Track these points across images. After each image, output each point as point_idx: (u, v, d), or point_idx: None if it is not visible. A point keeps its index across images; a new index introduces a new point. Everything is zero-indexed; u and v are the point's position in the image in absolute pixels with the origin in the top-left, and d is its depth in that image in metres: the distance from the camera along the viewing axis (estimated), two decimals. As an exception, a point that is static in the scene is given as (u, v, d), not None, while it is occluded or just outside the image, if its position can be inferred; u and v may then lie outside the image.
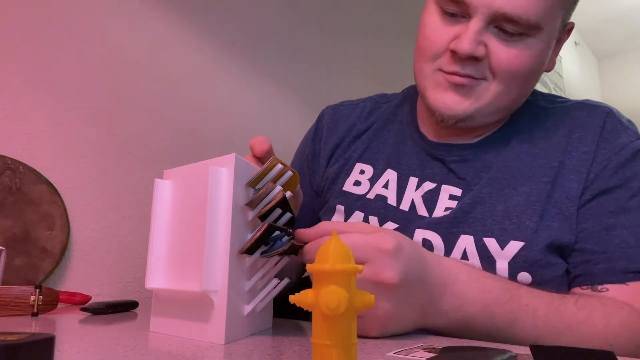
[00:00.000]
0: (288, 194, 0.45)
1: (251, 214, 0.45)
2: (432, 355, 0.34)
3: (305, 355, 0.35)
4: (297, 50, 1.42)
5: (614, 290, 0.52)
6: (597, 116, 0.61)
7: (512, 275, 0.54)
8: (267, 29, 1.33)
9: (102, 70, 0.95)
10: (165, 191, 0.48)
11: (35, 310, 0.58)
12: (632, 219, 0.55)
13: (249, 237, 0.45)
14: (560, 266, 0.55)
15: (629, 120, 0.62)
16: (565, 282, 0.56)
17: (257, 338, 0.43)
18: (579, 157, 0.58)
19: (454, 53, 0.57)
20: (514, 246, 0.55)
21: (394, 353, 0.36)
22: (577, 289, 0.55)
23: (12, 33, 0.84)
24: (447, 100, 0.59)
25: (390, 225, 0.62)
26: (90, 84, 0.93)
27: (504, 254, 0.55)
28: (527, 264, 0.54)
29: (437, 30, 0.59)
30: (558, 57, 0.65)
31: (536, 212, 0.56)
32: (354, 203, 0.66)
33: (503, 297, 0.48)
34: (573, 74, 3.84)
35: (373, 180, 0.68)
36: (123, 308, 0.64)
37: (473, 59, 0.56)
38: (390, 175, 0.67)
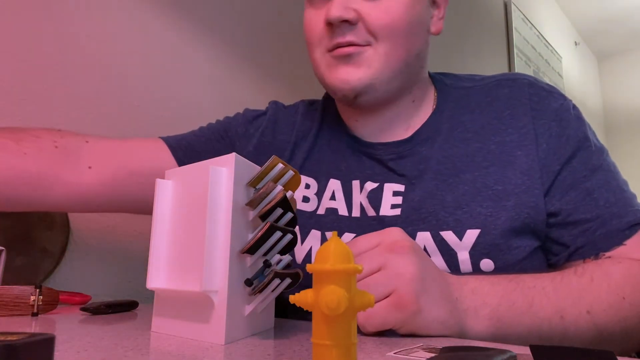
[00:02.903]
0: (289, 193, 0.45)
1: (252, 214, 0.45)
2: (432, 355, 0.34)
3: (305, 355, 0.35)
4: (299, 50, 1.42)
5: (615, 255, 0.54)
6: (519, 89, 0.62)
7: (475, 264, 0.55)
8: (270, 28, 1.33)
9: (102, 70, 0.95)
10: (166, 191, 0.48)
11: (35, 310, 0.58)
12: (602, 176, 0.57)
13: (250, 237, 0.45)
14: (524, 249, 0.56)
15: (549, 85, 0.64)
16: (532, 264, 0.56)
17: (257, 338, 0.43)
18: (518, 132, 0.59)
19: (329, 25, 0.59)
20: (471, 235, 0.55)
21: (394, 353, 0.36)
22: (579, 263, 0.56)
23: (12, 33, 0.84)
24: (340, 75, 0.60)
25: (348, 236, 0.62)
26: (90, 84, 0.93)
27: (463, 244, 0.55)
28: (486, 250, 0.55)
29: (312, 17, 0.63)
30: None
31: (486, 197, 0.57)
32: (308, 221, 0.65)
33: (511, 285, 0.49)
34: (573, 74, 3.84)
35: (319, 194, 0.67)
36: (123, 308, 0.64)
37: (346, 23, 0.58)
38: (335, 185, 0.67)
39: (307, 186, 0.69)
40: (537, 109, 0.60)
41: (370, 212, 0.62)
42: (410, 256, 0.44)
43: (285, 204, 0.45)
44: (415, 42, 0.61)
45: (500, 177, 0.57)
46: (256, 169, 0.47)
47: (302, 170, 0.70)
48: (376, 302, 0.43)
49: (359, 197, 0.64)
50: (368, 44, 0.59)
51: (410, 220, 0.58)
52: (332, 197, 0.66)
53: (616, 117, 4.28)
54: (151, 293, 0.47)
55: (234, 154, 0.43)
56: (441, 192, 0.59)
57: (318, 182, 0.68)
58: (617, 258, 0.53)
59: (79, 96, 0.91)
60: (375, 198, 0.62)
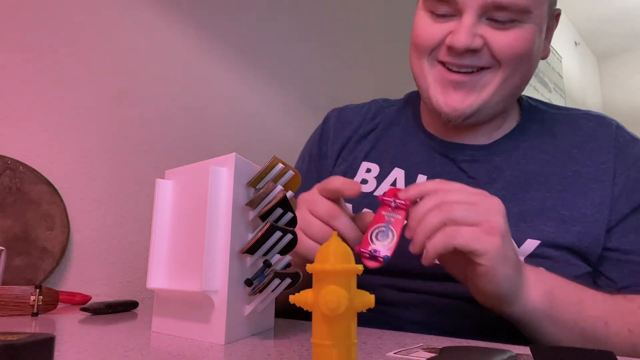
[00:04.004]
0: (289, 193, 0.45)
1: (252, 214, 0.45)
2: (432, 355, 0.34)
3: (305, 355, 0.35)
4: (299, 51, 1.42)
5: None
6: (607, 127, 0.63)
7: None
8: (270, 29, 1.33)
9: (103, 70, 0.95)
10: (166, 191, 0.48)
11: (35, 310, 0.58)
12: None
13: (250, 237, 0.45)
14: (580, 268, 0.56)
15: (634, 134, 0.65)
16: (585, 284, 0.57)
17: (257, 338, 0.43)
18: (596, 167, 0.60)
19: (450, 48, 0.57)
20: (530, 244, 0.56)
21: (394, 353, 0.36)
22: None
23: (13, 33, 0.84)
24: (450, 102, 0.60)
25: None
26: (91, 84, 0.93)
27: (521, 251, 0.56)
28: (543, 259, 0.55)
29: (430, 27, 0.60)
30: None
31: (551, 218, 0.57)
32: (362, 201, 0.66)
33: (565, 281, 0.50)
34: (573, 74, 3.84)
35: (380, 179, 0.68)
36: (123, 308, 0.64)
37: (471, 52, 0.57)
38: (398, 173, 0.67)
39: (368, 170, 0.70)
40: (621, 149, 0.61)
41: None
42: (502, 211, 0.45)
43: (285, 204, 0.45)
44: (531, 70, 0.62)
45: (570, 204, 0.58)
46: (256, 169, 0.47)
47: (367, 157, 0.71)
48: (464, 225, 0.43)
49: None
50: (488, 67, 0.58)
51: None
52: (393, 184, 0.67)
53: (616, 117, 4.25)
54: (151, 293, 0.47)
55: (234, 153, 0.43)
56: (508, 204, 0.58)
57: (381, 168, 0.69)
58: None
59: (78, 94, 0.91)
60: None
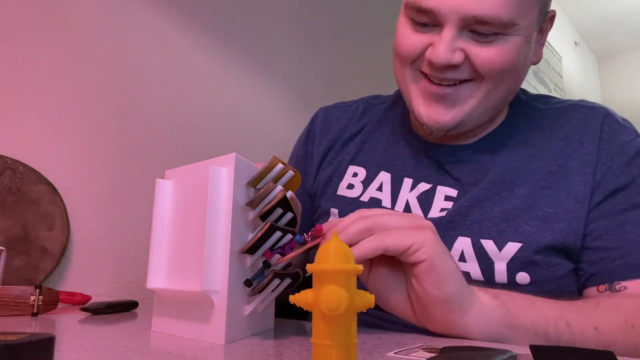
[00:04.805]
0: (289, 193, 0.45)
1: (252, 214, 0.45)
2: (432, 355, 0.34)
3: (305, 355, 0.35)
4: (300, 51, 1.42)
5: (632, 287, 0.52)
6: (594, 118, 0.61)
7: (511, 276, 0.54)
8: (270, 30, 1.33)
9: (103, 70, 0.95)
10: (166, 191, 0.48)
11: (35, 310, 0.58)
12: None
13: (250, 237, 0.45)
14: (563, 267, 0.55)
15: (624, 119, 0.63)
16: (569, 284, 0.56)
17: (257, 338, 0.43)
18: (581, 159, 0.58)
19: (430, 62, 0.56)
20: (512, 247, 0.55)
21: (394, 353, 0.36)
22: (592, 290, 0.55)
23: (12, 34, 0.84)
24: (431, 113, 0.59)
25: None
26: (90, 84, 0.93)
27: (502, 255, 0.55)
28: (524, 264, 0.54)
29: (411, 36, 0.58)
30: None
31: (534, 217, 0.56)
32: (348, 206, 0.66)
33: (513, 292, 0.48)
34: (573, 74, 3.84)
35: (366, 183, 0.67)
36: (123, 308, 0.64)
37: (451, 66, 0.55)
38: (384, 177, 0.67)
39: (355, 174, 0.69)
40: (606, 138, 0.59)
41: (417, 212, 0.62)
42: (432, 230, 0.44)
43: (285, 203, 0.45)
44: (518, 80, 0.60)
45: (553, 201, 0.57)
46: (256, 169, 0.47)
47: (354, 160, 0.70)
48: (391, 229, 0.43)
49: (408, 195, 0.64)
50: (472, 79, 0.57)
51: (454, 224, 0.58)
52: (379, 189, 0.66)
53: (616, 117, 4.26)
54: (151, 293, 0.47)
55: (234, 153, 0.43)
56: (491, 204, 0.58)
57: (367, 171, 0.68)
58: (631, 294, 0.51)
59: (78, 94, 0.91)
60: (426, 201, 0.62)
